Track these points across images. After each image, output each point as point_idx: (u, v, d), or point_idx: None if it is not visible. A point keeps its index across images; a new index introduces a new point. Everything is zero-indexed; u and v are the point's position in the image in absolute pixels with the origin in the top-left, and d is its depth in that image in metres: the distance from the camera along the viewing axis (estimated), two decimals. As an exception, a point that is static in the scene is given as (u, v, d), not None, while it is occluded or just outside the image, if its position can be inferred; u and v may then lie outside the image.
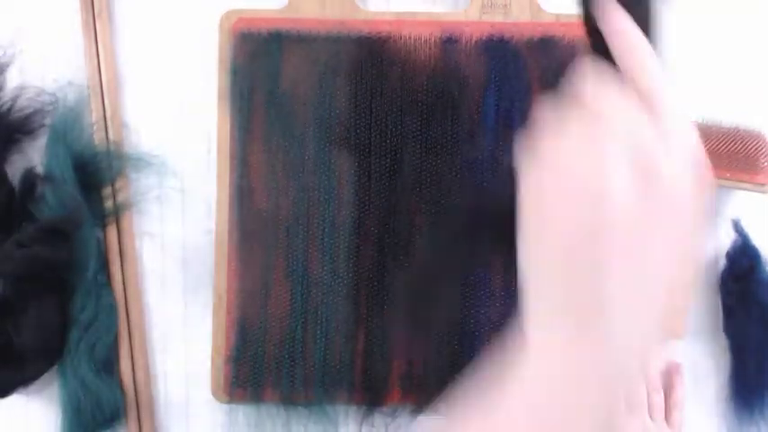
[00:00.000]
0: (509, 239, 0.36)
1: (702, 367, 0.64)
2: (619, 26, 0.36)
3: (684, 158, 0.34)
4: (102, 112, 0.64)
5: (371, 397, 0.62)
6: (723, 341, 0.64)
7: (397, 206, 0.62)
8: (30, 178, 0.62)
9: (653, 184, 0.32)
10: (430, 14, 0.64)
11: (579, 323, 0.32)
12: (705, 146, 0.60)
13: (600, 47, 0.37)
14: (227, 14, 0.63)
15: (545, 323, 0.34)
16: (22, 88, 0.63)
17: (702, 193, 0.34)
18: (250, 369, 0.62)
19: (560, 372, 0.33)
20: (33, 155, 0.64)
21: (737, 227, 0.63)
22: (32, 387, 0.62)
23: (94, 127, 0.64)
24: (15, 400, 0.63)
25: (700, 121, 0.62)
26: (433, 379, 0.62)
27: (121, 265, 0.64)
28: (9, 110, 0.62)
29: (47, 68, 0.65)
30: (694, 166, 0.34)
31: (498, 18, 0.63)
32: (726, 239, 0.64)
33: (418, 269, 0.62)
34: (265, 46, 0.63)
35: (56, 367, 0.62)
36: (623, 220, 0.32)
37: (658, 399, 0.59)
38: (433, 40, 0.63)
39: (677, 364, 0.61)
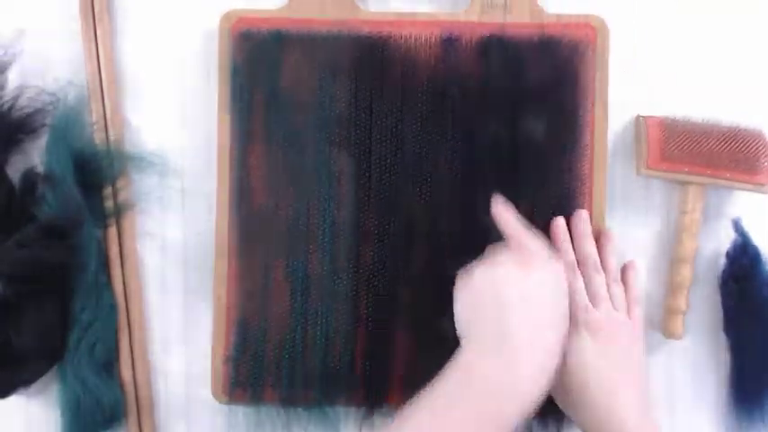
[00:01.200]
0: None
1: (702, 367, 0.64)
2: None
3: (547, 281, 0.56)
4: (102, 112, 0.64)
5: (371, 398, 0.62)
6: (723, 341, 0.64)
7: (396, 206, 0.62)
8: (30, 178, 0.62)
9: (532, 288, 0.55)
10: (430, 14, 0.64)
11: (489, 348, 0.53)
12: (705, 146, 0.61)
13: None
14: (227, 14, 0.63)
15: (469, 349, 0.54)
16: (22, 88, 0.63)
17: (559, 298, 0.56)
18: (250, 369, 0.62)
19: (467, 385, 0.52)
20: (34, 155, 0.64)
21: (737, 227, 0.63)
22: (32, 387, 0.62)
23: (94, 127, 0.64)
24: (15, 400, 0.63)
25: (700, 121, 0.62)
26: (430, 379, 0.61)
27: (121, 265, 0.64)
28: (9, 109, 0.62)
29: (47, 68, 0.65)
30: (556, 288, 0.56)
31: (498, 18, 0.63)
32: (726, 239, 0.64)
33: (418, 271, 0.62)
34: (265, 46, 0.63)
35: (56, 367, 0.62)
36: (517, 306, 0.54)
37: (619, 290, 0.60)
38: (433, 40, 0.63)
39: (632, 261, 0.63)
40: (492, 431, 0.51)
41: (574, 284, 0.59)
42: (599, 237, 0.62)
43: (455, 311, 0.56)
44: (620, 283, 0.61)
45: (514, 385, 0.51)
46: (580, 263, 0.60)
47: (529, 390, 0.52)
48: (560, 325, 0.55)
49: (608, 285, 0.60)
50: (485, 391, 0.51)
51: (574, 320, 0.58)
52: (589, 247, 0.61)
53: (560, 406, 0.58)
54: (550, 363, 0.53)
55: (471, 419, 0.50)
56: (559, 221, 0.61)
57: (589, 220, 0.62)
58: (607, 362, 0.57)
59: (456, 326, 0.56)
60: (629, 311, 0.60)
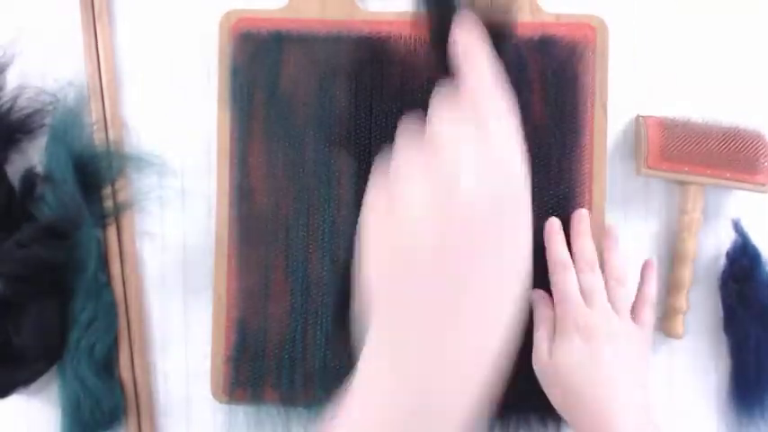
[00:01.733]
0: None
1: (702, 367, 0.64)
2: (462, 38, 0.40)
3: (501, 158, 0.37)
4: (102, 112, 0.64)
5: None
6: (723, 341, 0.64)
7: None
8: (30, 178, 0.62)
9: (450, 199, 0.35)
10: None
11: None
12: (705, 146, 0.61)
13: (440, 53, 0.41)
14: (228, 14, 0.63)
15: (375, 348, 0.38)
16: (22, 88, 0.63)
17: (515, 193, 0.37)
18: (250, 369, 0.62)
19: (381, 383, 0.37)
20: (33, 155, 0.64)
21: (737, 227, 0.63)
22: (32, 387, 0.62)
23: (94, 127, 0.64)
24: (15, 400, 0.63)
25: (700, 121, 0.62)
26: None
27: (121, 265, 0.64)
28: (9, 110, 0.62)
29: (47, 68, 0.65)
30: (510, 167, 0.37)
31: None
32: (726, 239, 0.64)
33: None
34: (265, 46, 0.63)
35: (56, 367, 0.62)
36: (423, 234, 0.35)
37: (623, 291, 0.58)
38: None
39: (650, 260, 0.62)
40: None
41: (565, 283, 0.58)
42: (603, 237, 0.61)
43: (360, 266, 0.40)
44: (625, 285, 0.59)
45: (433, 401, 0.37)
46: (576, 262, 0.59)
47: (457, 404, 0.37)
48: (517, 290, 0.38)
49: (610, 286, 0.59)
50: (391, 407, 0.38)
51: (564, 322, 0.57)
52: (586, 244, 0.60)
53: (553, 403, 0.58)
54: (495, 356, 0.38)
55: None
56: (553, 221, 0.61)
57: (588, 220, 0.61)
58: (601, 367, 0.55)
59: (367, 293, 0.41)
60: (636, 314, 0.59)
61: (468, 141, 0.36)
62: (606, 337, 0.56)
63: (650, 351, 0.60)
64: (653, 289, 0.61)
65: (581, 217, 0.61)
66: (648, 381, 0.58)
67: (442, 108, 0.38)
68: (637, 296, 0.60)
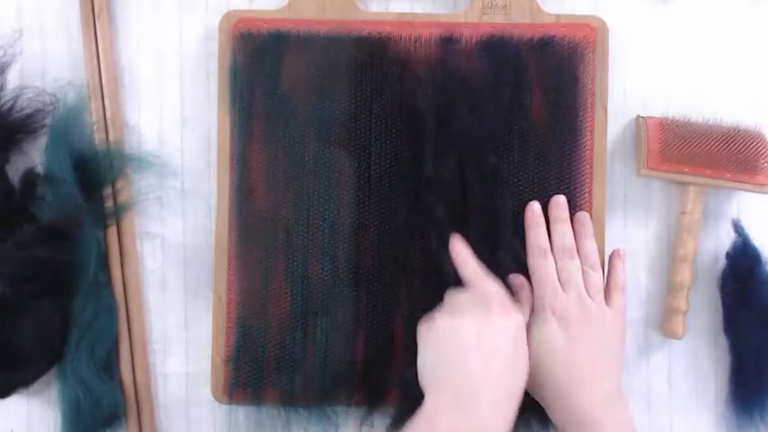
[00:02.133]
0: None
1: (702, 367, 0.64)
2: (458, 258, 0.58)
3: (508, 329, 0.55)
4: (102, 112, 0.64)
5: (371, 398, 0.62)
6: (723, 341, 0.64)
7: (396, 206, 0.62)
8: (30, 178, 0.62)
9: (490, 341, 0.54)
10: (430, 15, 0.64)
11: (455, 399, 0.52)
12: (705, 146, 0.61)
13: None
14: (228, 15, 0.63)
15: (435, 403, 0.53)
16: (22, 88, 0.63)
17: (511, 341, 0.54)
18: (250, 370, 0.62)
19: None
20: (33, 155, 0.64)
21: (737, 227, 0.63)
22: (32, 387, 0.62)
23: (94, 127, 0.64)
24: (15, 400, 0.63)
25: (700, 121, 0.62)
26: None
27: (121, 266, 0.64)
28: (9, 110, 0.62)
29: (47, 68, 0.65)
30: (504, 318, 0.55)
31: (498, 18, 0.63)
32: (726, 239, 0.64)
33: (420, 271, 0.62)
34: (265, 46, 0.63)
35: (56, 367, 0.62)
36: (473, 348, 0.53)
37: (596, 277, 0.60)
38: (432, 40, 0.63)
39: (618, 249, 0.62)
40: None
41: (543, 269, 0.59)
42: (575, 222, 0.62)
43: (418, 361, 0.56)
44: (599, 270, 0.60)
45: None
46: (555, 248, 0.60)
47: None
48: (521, 372, 0.54)
49: (584, 272, 0.59)
50: None
51: (541, 305, 0.58)
52: (564, 231, 0.60)
53: (531, 393, 0.58)
54: (512, 411, 0.53)
55: None
56: (533, 207, 0.61)
57: (566, 207, 0.61)
58: (574, 349, 0.56)
59: (419, 376, 0.56)
60: (608, 299, 0.60)
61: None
62: (580, 320, 0.57)
63: (624, 335, 0.60)
64: (622, 276, 0.61)
65: (559, 204, 0.61)
66: (622, 365, 0.59)
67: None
68: (607, 283, 0.61)
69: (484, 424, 0.51)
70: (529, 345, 0.57)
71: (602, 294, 0.59)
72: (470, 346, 0.53)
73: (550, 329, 0.57)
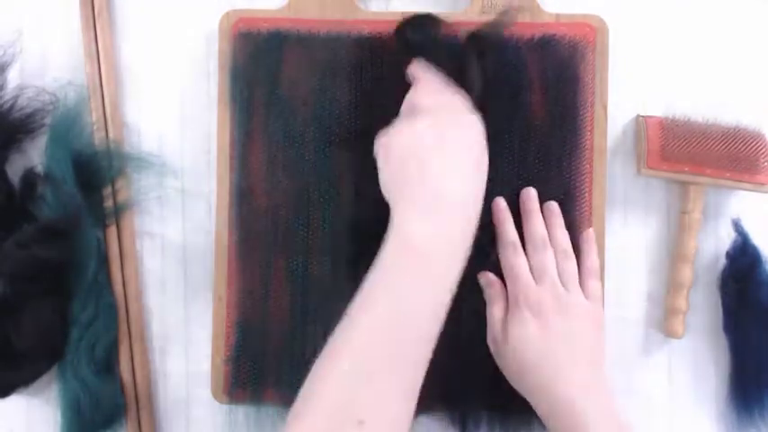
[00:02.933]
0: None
1: (702, 367, 0.64)
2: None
3: (464, 129, 0.55)
4: (102, 112, 0.64)
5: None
6: (723, 341, 0.64)
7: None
8: (30, 178, 0.62)
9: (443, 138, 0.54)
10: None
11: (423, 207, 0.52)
12: (705, 146, 0.61)
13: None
14: (228, 14, 0.63)
15: (403, 215, 0.52)
16: (22, 88, 0.63)
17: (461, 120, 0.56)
18: (250, 370, 0.62)
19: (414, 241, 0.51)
20: (33, 155, 0.64)
21: (737, 227, 0.63)
22: (32, 387, 0.62)
23: (94, 127, 0.64)
24: (15, 400, 0.63)
25: (700, 120, 0.62)
26: (432, 377, 0.61)
27: (121, 265, 0.64)
28: (9, 109, 0.62)
29: (47, 68, 0.65)
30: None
31: (498, 18, 0.63)
32: (726, 239, 0.64)
33: None
34: (265, 46, 0.63)
35: (56, 367, 0.62)
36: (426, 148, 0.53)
37: (569, 265, 0.59)
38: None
39: (588, 231, 0.62)
40: (440, 293, 0.51)
41: (515, 262, 0.59)
42: (545, 212, 0.61)
43: (380, 177, 0.55)
44: (572, 258, 0.60)
45: (450, 242, 0.52)
46: (527, 241, 0.60)
47: (463, 243, 0.52)
48: (482, 171, 0.55)
49: (557, 262, 0.59)
50: (424, 253, 0.51)
51: (515, 299, 0.58)
52: (536, 223, 0.60)
53: (513, 385, 0.58)
54: (477, 209, 0.54)
55: (421, 285, 0.50)
56: (499, 202, 0.61)
57: (536, 198, 0.61)
58: (550, 338, 0.56)
59: (383, 192, 0.55)
60: (583, 287, 0.59)
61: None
62: (555, 311, 0.57)
63: (602, 323, 0.60)
64: (595, 261, 0.61)
65: (529, 196, 0.61)
66: (603, 353, 0.59)
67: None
68: (580, 270, 0.60)
69: (452, 224, 0.52)
70: (506, 339, 0.57)
71: (576, 283, 0.59)
72: (428, 148, 0.53)
73: (526, 323, 0.57)
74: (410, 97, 0.57)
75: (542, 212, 0.61)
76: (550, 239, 0.60)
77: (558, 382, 0.55)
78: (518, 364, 0.57)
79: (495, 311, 0.59)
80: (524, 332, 0.57)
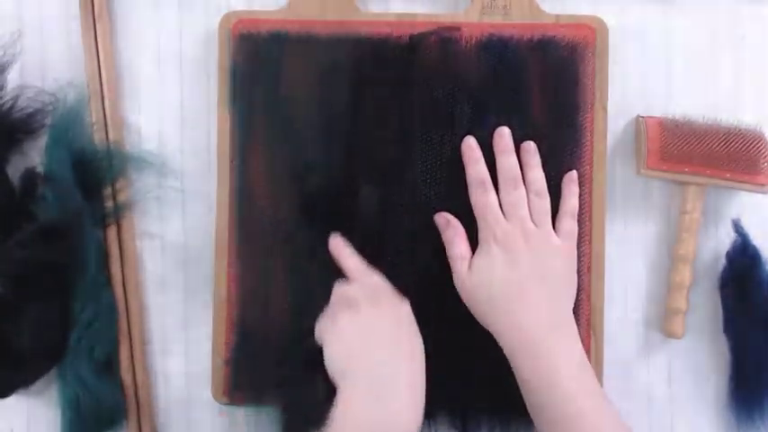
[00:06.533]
0: None
1: (702, 367, 0.64)
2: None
3: (400, 314, 0.57)
4: (102, 112, 0.64)
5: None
6: (723, 341, 0.64)
7: (397, 206, 0.62)
8: (30, 178, 0.62)
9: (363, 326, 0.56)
10: (430, 15, 0.64)
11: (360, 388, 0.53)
12: (705, 146, 0.61)
13: None
14: (227, 15, 0.63)
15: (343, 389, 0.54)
16: (22, 88, 0.63)
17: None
18: (250, 370, 0.62)
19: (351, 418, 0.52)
20: (33, 155, 0.64)
21: (737, 227, 0.63)
22: (32, 387, 0.62)
23: (94, 127, 0.64)
24: (15, 400, 0.63)
25: (700, 120, 0.62)
26: (433, 381, 0.61)
27: (121, 265, 0.64)
28: (9, 110, 0.62)
29: (47, 68, 0.65)
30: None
31: (498, 18, 0.63)
32: (726, 240, 0.64)
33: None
34: (265, 47, 0.63)
35: (56, 367, 0.62)
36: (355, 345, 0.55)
37: (542, 203, 0.59)
38: (433, 40, 0.63)
39: (571, 173, 0.61)
40: None
41: (484, 200, 0.59)
42: (522, 152, 0.61)
43: (325, 354, 0.57)
44: (545, 197, 0.60)
45: (389, 422, 0.52)
46: (500, 180, 0.60)
47: (404, 423, 0.52)
48: (418, 360, 0.55)
49: (529, 200, 0.59)
50: (368, 425, 0.52)
51: (484, 236, 0.58)
52: (508, 161, 0.60)
53: (480, 321, 0.58)
54: (420, 394, 0.54)
55: None
56: (470, 140, 0.61)
57: (510, 137, 0.61)
58: (519, 276, 0.56)
59: (329, 369, 0.56)
60: (559, 225, 0.59)
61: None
62: (525, 247, 0.57)
63: (574, 262, 0.59)
64: (574, 202, 0.61)
65: (502, 134, 0.61)
66: (573, 294, 0.59)
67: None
68: (560, 208, 0.60)
69: (393, 412, 0.52)
70: (473, 274, 0.57)
71: (548, 220, 0.59)
72: (371, 337, 0.55)
73: (495, 259, 0.57)
74: (343, 290, 0.58)
75: (519, 154, 0.61)
76: (524, 179, 0.60)
77: (521, 312, 0.55)
78: (486, 301, 0.57)
79: (455, 251, 0.59)
80: (492, 267, 0.57)
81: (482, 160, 0.60)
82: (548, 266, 0.57)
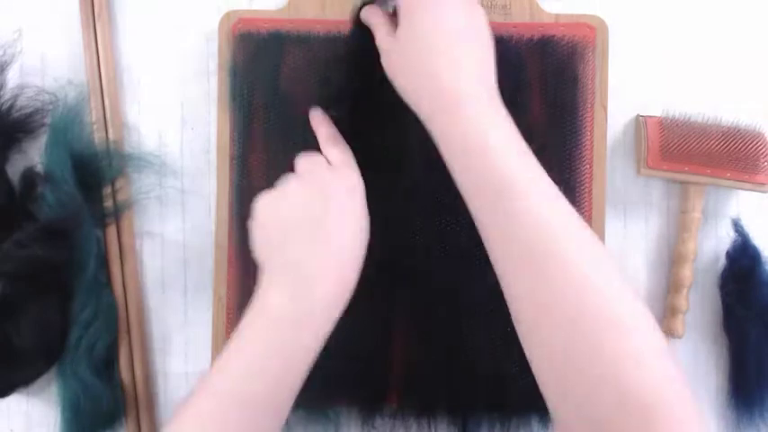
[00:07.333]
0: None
1: (702, 367, 0.64)
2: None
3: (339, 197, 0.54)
4: (102, 112, 0.64)
5: (371, 398, 0.62)
6: (723, 341, 0.64)
7: (397, 206, 0.62)
8: (30, 178, 0.62)
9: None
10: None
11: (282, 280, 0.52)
12: (705, 146, 0.61)
13: None
14: (227, 15, 0.63)
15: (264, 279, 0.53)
16: (21, 88, 0.63)
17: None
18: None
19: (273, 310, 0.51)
20: (33, 154, 0.64)
21: (737, 227, 0.63)
22: (32, 387, 0.62)
23: (94, 127, 0.64)
24: (15, 400, 0.63)
25: (700, 120, 0.62)
26: (433, 381, 0.61)
27: (121, 265, 0.64)
28: (9, 109, 0.62)
29: (46, 68, 0.65)
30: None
31: (498, 18, 0.63)
32: (726, 239, 0.64)
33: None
34: (265, 46, 0.63)
35: (56, 367, 0.62)
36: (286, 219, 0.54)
37: None
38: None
39: None
40: (291, 359, 0.50)
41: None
42: None
43: (250, 238, 0.55)
44: None
45: (308, 312, 0.51)
46: None
47: (323, 315, 0.51)
48: (349, 237, 0.53)
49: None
50: (279, 319, 0.50)
51: (378, 30, 0.56)
52: None
53: (407, 100, 0.54)
54: (343, 287, 0.52)
55: (272, 349, 0.50)
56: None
57: None
58: (443, 33, 0.52)
59: (255, 253, 0.55)
60: None
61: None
62: (423, 6, 0.53)
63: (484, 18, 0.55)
64: None
65: None
66: (491, 59, 0.53)
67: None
68: None
69: (312, 303, 0.51)
70: (399, 48, 0.53)
71: None
72: (292, 227, 0.53)
73: (416, 21, 0.52)
74: (299, 161, 0.56)
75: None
76: None
77: (436, 67, 0.51)
78: (410, 67, 0.53)
79: (382, 32, 0.56)
80: (416, 29, 0.52)
81: None
82: (456, 20, 0.52)
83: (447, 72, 0.51)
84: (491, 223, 0.49)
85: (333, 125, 0.59)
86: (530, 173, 0.48)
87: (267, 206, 0.55)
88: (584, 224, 0.47)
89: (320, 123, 0.59)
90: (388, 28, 0.56)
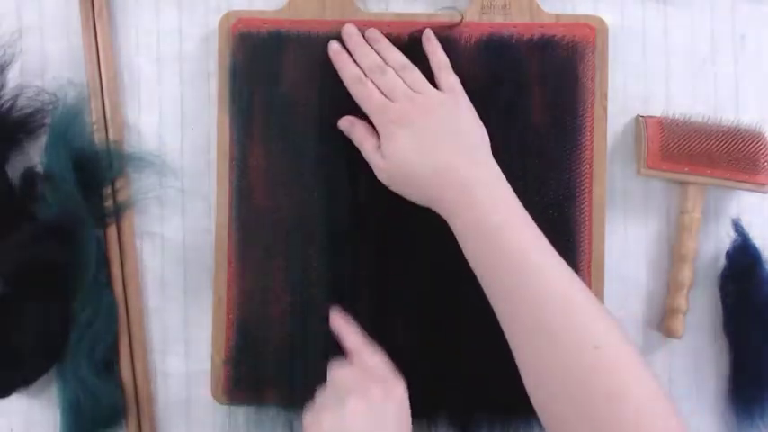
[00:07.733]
0: None
1: (702, 367, 0.64)
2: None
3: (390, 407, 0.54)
4: (102, 112, 0.64)
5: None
6: (723, 341, 0.64)
7: (397, 206, 0.62)
8: (30, 177, 0.62)
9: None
10: (429, 15, 0.64)
11: None
12: (705, 146, 0.61)
13: None
14: (227, 15, 0.63)
15: None
16: (21, 88, 0.63)
17: None
18: (250, 370, 0.62)
19: None
20: (33, 154, 0.64)
21: (737, 227, 0.63)
22: (32, 387, 0.62)
23: (94, 126, 0.64)
24: (15, 400, 0.63)
25: (700, 120, 0.62)
26: (433, 379, 0.61)
27: (121, 265, 0.64)
28: (9, 109, 0.62)
29: (46, 68, 0.65)
30: None
31: (498, 18, 0.63)
32: (726, 239, 0.64)
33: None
34: (265, 46, 0.63)
35: (56, 367, 0.62)
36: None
37: (413, 75, 0.60)
38: (432, 40, 0.63)
39: (426, 31, 0.62)
40: None
41: (365, 93, 0.60)
42: (370, 42, 0.62)
43: None
44: (413, 68, 0.60)
45: None
46: (365, 71, 0.60)
47: None
48: None
49: (401, 76, 0.60)
50: None
51: (381, 122, 0.59)
52: (366, 54, 0.61)
53: (420, 202, 0.59)
54: None
55: None
56: (334, 45, 0.62)
57: (355, 29, 0.62)
58: (426, 141, 0.57)
59: None
60: (439, 82, 0.60)
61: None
62: (419, 114, 0.58)
63: (469, 106, 0.60)
64: (441, 55, 0.61)
65: (348, 33, 0.62)
66: (484, 135, 0.59)
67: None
68: (432, 65, 0.61)
69: None
70: (385, 159, 0.58)
71: (427, 85, 0.60)
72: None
73: (399, 138, 0.57)
74: (335, 375, 0.56)
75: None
76: (386, 61, 0.61)
77: (450, 171, 0.56)
78: (410, 178, 0.58)
79: (366, 146, 0.60)
80: (401, 146, 0.57)
81: (351, 61, 0.61)
82: (452, 121, 0.58)
83: (454, 165, 0.56)
84: (501, 290, 0.54)
85: (359, 332, 0.59)
86: (538, 242, 0.55)
87: (326, 421, 0.52)
88: (584, 286, 0.53)
89: (346, 333, 0.59)
90: (373, 142, 0.60)
